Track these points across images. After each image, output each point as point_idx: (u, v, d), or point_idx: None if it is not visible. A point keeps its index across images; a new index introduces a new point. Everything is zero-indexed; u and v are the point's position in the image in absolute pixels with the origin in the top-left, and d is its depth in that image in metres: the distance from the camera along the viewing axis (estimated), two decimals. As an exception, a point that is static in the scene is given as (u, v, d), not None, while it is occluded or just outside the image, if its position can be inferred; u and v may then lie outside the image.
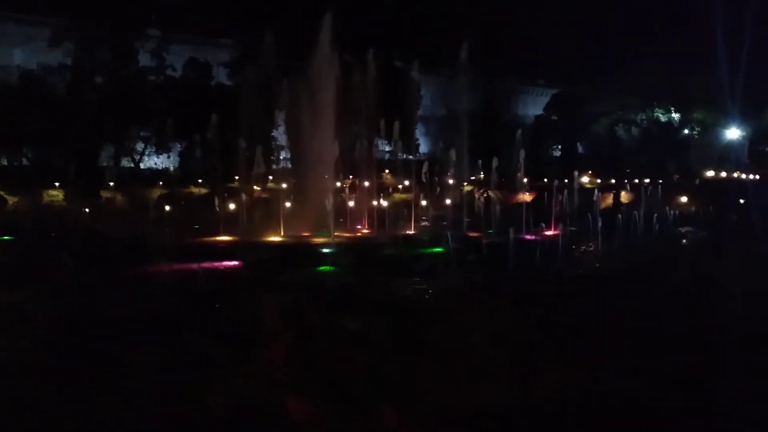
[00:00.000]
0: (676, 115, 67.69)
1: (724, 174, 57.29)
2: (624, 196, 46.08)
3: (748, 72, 54.55)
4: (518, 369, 9.61)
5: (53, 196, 41.05)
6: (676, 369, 9.91)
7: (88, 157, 49.60)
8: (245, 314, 12.17)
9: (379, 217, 33.08)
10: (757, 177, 54.62)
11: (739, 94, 57.70)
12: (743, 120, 64.80)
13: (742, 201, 42.46)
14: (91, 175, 40.97)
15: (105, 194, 38.45)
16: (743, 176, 55.43)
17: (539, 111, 79.06)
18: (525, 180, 43.56)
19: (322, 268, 21.34)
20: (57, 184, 40.91)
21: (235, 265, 21.92)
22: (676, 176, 56.37)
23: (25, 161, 51.84)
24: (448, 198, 38.47)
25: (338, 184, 38.17)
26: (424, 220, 35.57)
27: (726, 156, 61.78)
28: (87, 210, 33.12)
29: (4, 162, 50.99)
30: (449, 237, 25.42)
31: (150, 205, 34.74)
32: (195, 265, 19.94)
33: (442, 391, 8.63)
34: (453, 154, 42.11)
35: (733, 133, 65.41)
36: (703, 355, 10.79)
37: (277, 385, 8.23)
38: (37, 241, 24.80)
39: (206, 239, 27.88)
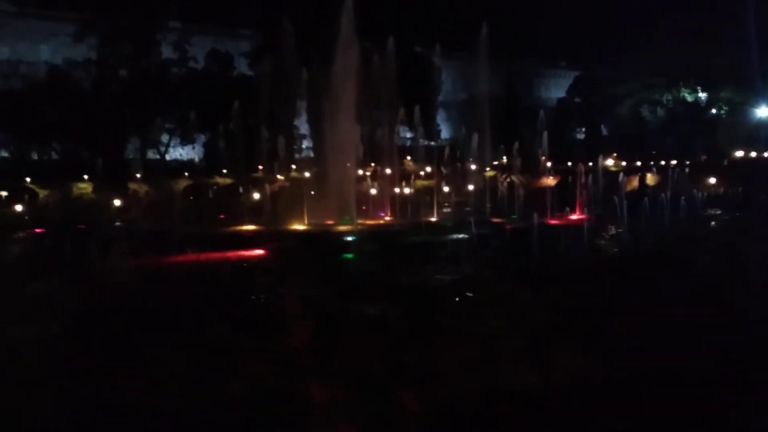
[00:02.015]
0: (703, 95, 66.15)
1: (753, 154, 55.86)
2: (650, 179, 45.30)
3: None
4: (540, 353, 9.61)
5: (82, 188, 41.90)
6: (701, 353, 9.81)
7: (114, 149, 50.49)
8: (268, 301, 12.37)
9: (401, 204, 33.12)
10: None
11: (769, 71, 56.21)
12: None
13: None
14: (118, 167, 41.72)
15: (132, 186, 39.14)
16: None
17: (562, 94, 78.00)
18: (548, 164, 43.13)
19: (345, 255, 21.51)
20: (86, 176, 41.74)
21: (259, 254, 22.21)
22: (704, 157, 55.19)
23: (54, 155, 52.93)
24: (471, 183, 38.30)
25: (360, 171, 38.26)
26: (446, 207, 35.50)
27: (755, 135, 60.14)
28: (115, 202, 33.75)
29: (35, 156, 52.11)
30: (472, 223, 25.37)
31: (176, 195, 35.25)
32: (220, 254, 20.26)
33: (463, 375, 8.69)
34: (475, 139, 41.89)
35: (763, 112, 63.66)
36: (732, 338, 10.66)
37: (299, 370, 8.39)
38: (67, 233, 25.39)
39: (231, 228, 28.25)
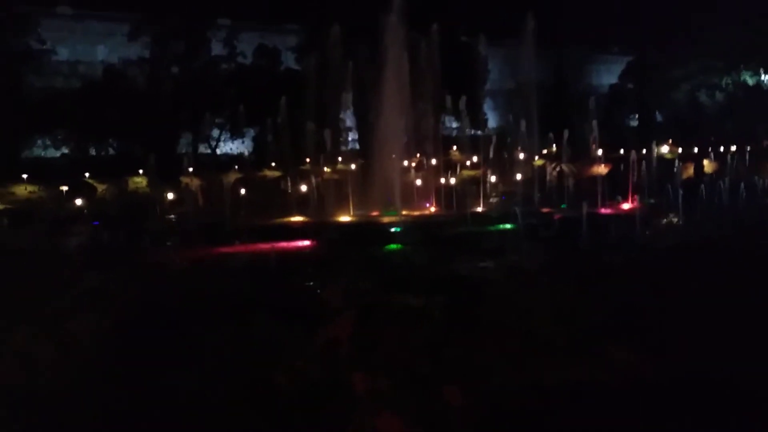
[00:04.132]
0: (765, 77, 62.94)
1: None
2: (707, 166, 43.52)
3: None
4: (584, 348, 9.39)
5: (137, 183, 43.35)
6: (754, 351, 9.36)
7: (167, 145, 52.01)
8: (315, 292, 12.53)
9: (446, 195, 32.90)
10: None
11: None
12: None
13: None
14: (171, 162, 42.94)
15: (184, 180, 40.21)
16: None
17: (614, 80, 75.57)
18: (599, 152, 41.97)
19: (390, 246, 21.56)
20: (140, 171, 43.12)
21: (306, 245, 22.53)
22: (766, 142, 52.60)
23: (111, 151, 54.92)
24: (519, 173, 37.67)
25: (405, 162, 38.19)
26: (494, 196, 35.07)
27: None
28: (168, 195, 34.80)
29: (92, 152, 54.17)
30: (520, 213, 25.00)
31: (227, 189, 36.06)
32: (268, 246, 20.64)
33: (506, 370, 8.58)
34: (523, 127, 41.16)
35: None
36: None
37: (342, 361, 8.47)
38: (124, 226, 26.36)
39: (280, 220, 28.71)
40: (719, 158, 43.85)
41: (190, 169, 40.97)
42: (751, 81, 62.94)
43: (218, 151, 59.99)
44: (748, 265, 15.32)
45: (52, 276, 15.09)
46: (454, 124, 52.90)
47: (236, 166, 47.97)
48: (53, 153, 54.73)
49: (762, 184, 33.19)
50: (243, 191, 36.81)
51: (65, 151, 54.12)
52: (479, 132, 52.62)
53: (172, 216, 32.01)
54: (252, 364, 9.21)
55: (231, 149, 61.28)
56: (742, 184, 30.67)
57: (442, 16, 42.12)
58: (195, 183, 40.09)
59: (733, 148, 46.07)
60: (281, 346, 9.69)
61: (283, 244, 21.93)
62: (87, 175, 42.99)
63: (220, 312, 11.45)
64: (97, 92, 51.37)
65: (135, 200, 37.73)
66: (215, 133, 58.72)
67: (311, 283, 14.19)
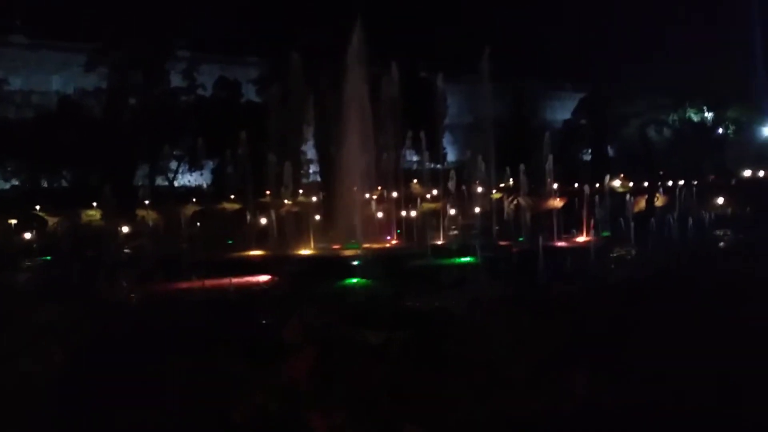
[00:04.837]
0: (709, 114, 66.17)
1: (761, 173, 55.60)
2: (658, 199, 45.15)
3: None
4: (546, 380, 9.49)
5: (91, 215, 42.28)
6: (707, 376, 9.65)
7: (123, 176, 51.05)
8: (272, 328, 12.35)
9: (407, 228, 33.14)
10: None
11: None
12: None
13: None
14: (126, 194, 42.11)
15: (141, 212, 39.42)
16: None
17: (567, 115, 78.23)
18: (555, 186, 43.11)
19: (351, 280, 21.50)
20: (94, 203, 42.11)
21: (266, 279, 22.24)
22: (711, 177, 54.99)
23: (64, 182, 53.54)
24: (478, 206, 38.29)
25: (367, 195, 38.41)
26: (453, 229, 35.47)
27: (763, 154, 59.99)
28: (123, 228, 34.03)
29: (44, 184, 52.71)
30: (479, 246, 25.34)
31: (184, 221, 35.47)
32: (227, 280, 20.32)
33: (468, 405, 8.59)
34: (481, 161, 41.99)
35: (770, 131, 63.68)
36: (737, 361, 10.47)
37: (300, 398, 8.35)
38: (75, 260, 25.56)
39: (239, 254, 28.33)
40: (669, 192, 45.56)
41: (147, 202, 40.24)
42: (695, 118, 66.04)
43: (176, 183, 59.15)
44: (700, 296, 15.89)
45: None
46: (415, 158, 53.62)
47: (194, 199, 47.34)
48: (2, 185, 53.06)
49: (708, 218, 34.58)
50: (201, 224, 36.31)
51: (15, 182, 52.54)
52: (439, 166, 53.44)
53: (128, 250, 31.26)
54: (208, 401, 9.00)
55: (189, 181, 60.52)
56: (690, 218, 31.87)
57: (403, 52, 43.07)
58: (151, 216, 39.35)
59: (681, 182, 47.97)
60: (238, 383, 9.51)
61: (242, 279, 21.60)
62: (38, 207, 41.75)
63: (176, 348, 11.16)
64: (51, 122, 50.29)
65: (88, 233, 36.69)
66: (173, 165, 57.99)
67: (270, 318, 14.00)
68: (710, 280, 18.30)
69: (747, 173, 56.47)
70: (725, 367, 10.06)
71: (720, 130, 66.75)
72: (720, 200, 44.10)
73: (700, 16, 69.96)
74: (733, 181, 52.25)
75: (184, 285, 20.68)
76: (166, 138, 52.09)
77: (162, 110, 53.92)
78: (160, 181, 57.82)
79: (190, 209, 43.23)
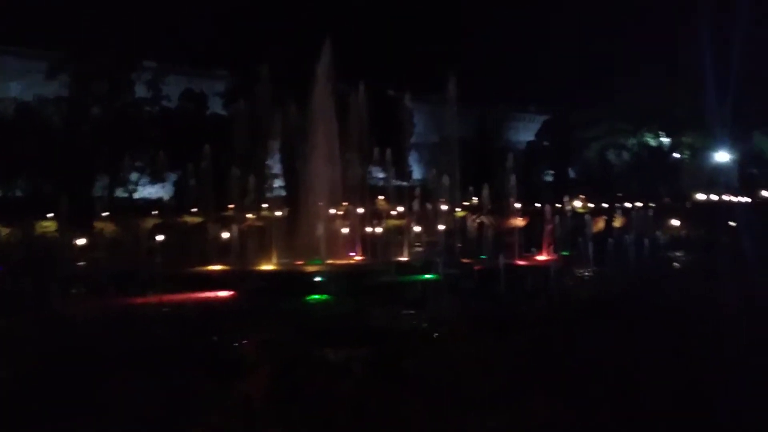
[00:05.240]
0: (665, 139, 68.37)
1: (714, 197, 57.62)
2: (616, 220, 46.27)
3: (736, 95, 55.43)
4: (505, 398, 9.56)
5: (46, 226, 40.87)
6: (667, 395, 9.88)
7: (82, 187, 49.60)
8: (231, 345, 12.14)
9: (372, 244, 33.14)
10: (747, 199, 54.99)
11: (727, 117, 58.55)
12: (732, 143, 65.50)
13: (732, 223, 42.68)
14: (84, 205, 40.94)
15: (98, 224, 38.39)
16: (733, 199, 55.77)
17: (531, 137, 79.77)
18: (517, 205, 43.77)
19: (313, 296, 21.33)
20: (50, 215, 40.77)
21: (225, 295, 21.88)
22: (667, 200, 56.70)
23: (18, 192, 51.75)
24: (442, 224, 38.55)
25: (332, 211, 38.27)
26: (417, 246, 35.60)
27: (716, 179, 62.24)
28: (79, 240, 33.06)
29: (-2, 193, 50.91)
30: (442, 263, 25.49)
31: (143, 234, 34.69)
32: (185, 295, 19.92)
33: (426, 422, 8.59)
34: (446, 180, 42.39)
35: (722, 156, 66.05)
36: (697, 377, 10.77)
37: (257, 417, 8.21)
38: (27, 272, 24.69)
39: (199, 268, 27.83)
40: (626, 214, 46.74)
41: (105, 213, 39.20)
42: (653, 142, 68.13)
43: (136, 196, 57.79)
44: (656, 316, 16.34)
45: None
46: (381, 175, 53.77)
47: (155, 211, 46.33)
48: (-49, 194, 51.04)
49: (663, 239, 35.59)
50: (161, 237, 35.52)
51: (-34, 192, 50.62)
52: (404, 183, 53.70)
53: (82, 263, 30.34)
54: (165, 420, 8.77)
55: (150, 194, 59.18)
56: (646, 239, 32.75)
57: (371, 70, 43.35)
58: (109, 228, 38.35)
59: (639, 204, 49.29)
60: (196, 401, 9.31)
61: (202, 294, 21.20)
62: (-11, 217, 40.23)
63: (131, 365, 10.87)
64: (7, 129, 48.72)
65: (42, 245, 35.49)
66: (134, 176, 56.69)
67: (228, 335, 13.75)
68: (664, 300, 18.87)
69: (701, 197, 58.43)
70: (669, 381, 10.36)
71: (675, 155, 68.98)
72: (675, 222, 45.47)
73: (661, 44, 72.80)
74: (688, 204, 54.00)
75: (141, 300, 20.16)
76: (128, 149, 50.97)
77: (124, 120, 52.80)
78: (119, 192, 56.42)
79: (149, 222, 42.27)
